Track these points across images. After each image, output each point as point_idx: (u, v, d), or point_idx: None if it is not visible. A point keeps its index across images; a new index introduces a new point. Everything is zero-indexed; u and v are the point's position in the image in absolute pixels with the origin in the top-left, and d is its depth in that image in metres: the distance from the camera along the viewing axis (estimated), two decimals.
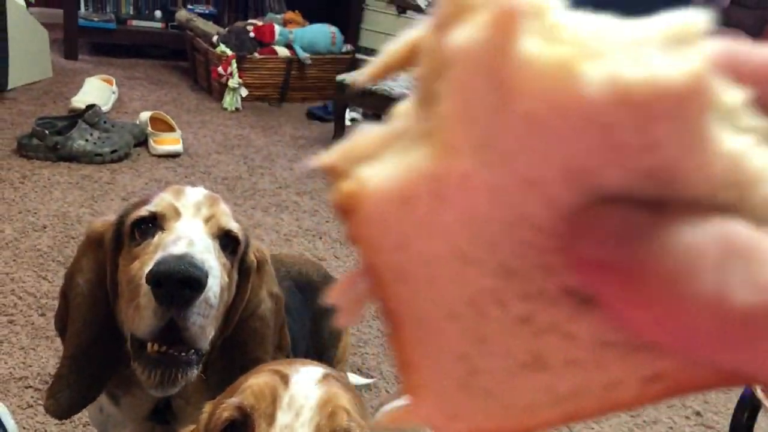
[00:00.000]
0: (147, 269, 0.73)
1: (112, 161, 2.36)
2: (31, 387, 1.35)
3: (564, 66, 0.14)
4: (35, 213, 1.96)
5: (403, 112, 0.18)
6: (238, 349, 0.88)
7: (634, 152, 0.14)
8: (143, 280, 0.73)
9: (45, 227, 1.90)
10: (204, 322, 0.76)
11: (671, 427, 1.56)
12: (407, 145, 0.17)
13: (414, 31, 0.18)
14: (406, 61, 0.19)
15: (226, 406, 0.62)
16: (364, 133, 0.18)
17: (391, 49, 0.19)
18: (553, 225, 0.16)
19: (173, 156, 2.51)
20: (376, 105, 2.69)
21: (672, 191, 0.15)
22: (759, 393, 0.99)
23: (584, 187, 0.15)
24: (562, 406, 0.19)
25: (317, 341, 1.29)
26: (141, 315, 0.74)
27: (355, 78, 0.20)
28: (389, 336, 0.20)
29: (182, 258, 0.72)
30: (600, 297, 0.16)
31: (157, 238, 0.79)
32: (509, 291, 0.18)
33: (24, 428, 1.25)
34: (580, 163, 0.15)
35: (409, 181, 0.17)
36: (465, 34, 0.15)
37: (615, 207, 0.15)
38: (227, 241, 0.84)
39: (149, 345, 0.76)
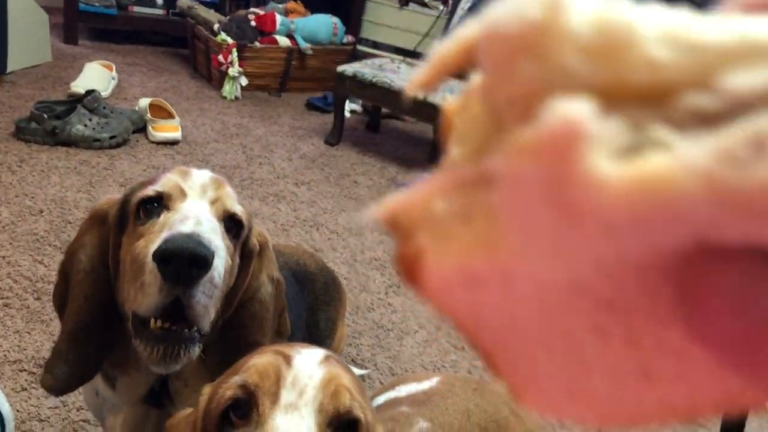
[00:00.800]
0: (153, 247, 0.73)
1: (111, 147, 2.35)
2: (25, 370, 1.35)
3: (646, 179, 0.13)
4: (32, 197, 1.95)
5: (457, 140, 0.17)
6: (237, 332, 0.88)
7: (730, 226, 0.13)
8: (149, 258, 0.73)
9: (42, 211, 1.89)
10: (208, 302, 0.76)
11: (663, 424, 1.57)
12: (466, 214, 0.16)
13: (467, 32, 0.17)
14: (458, 67, 0.17)
15: (229, 385, 0.62)
16: (422, 185, 0.17)
17: (440, 52, 0.17)
18: (658, 265, 0.15)
19: (172, 143, 2.50)
20: (377, 97, 2.68)
21: None
22: None
23: (684, 247, 0.14)
24: (675, 410, 0.18)
25: (313, 332, 1.30)
26: (145, 292, 0.74)
27: (405, 87, 0.18)
28: (480, 356, 0.20)
29: (190, 236, 0.72)
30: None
31: (163, 217, 0.79)
32: (610, 321, 0.17)
33: (18, 411, 1.25)
34: (668, 243, 0.14)
35: (471, 267, 0.16)
36: (511, 160, 0.14)
37: (729, 266, 0.14)
38: (231, 224, 0.85)
39: (152, 321, 0.76)
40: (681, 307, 0.15)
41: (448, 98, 0.18)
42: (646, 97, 0.14)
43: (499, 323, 0.18)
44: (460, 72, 0.17)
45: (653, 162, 0.13)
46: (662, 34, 0.14)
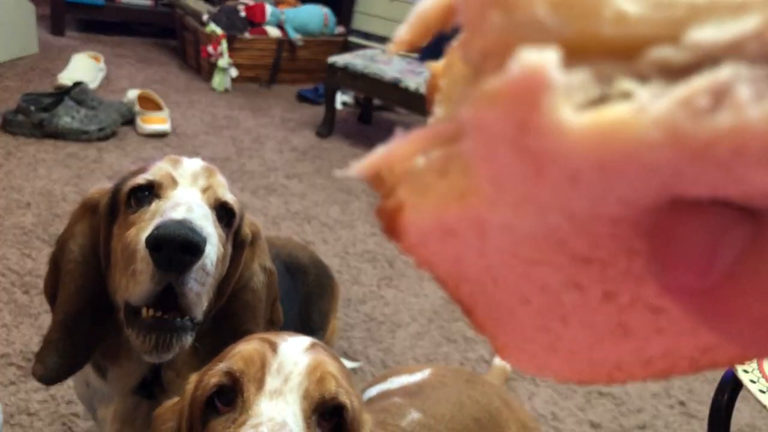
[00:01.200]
0: (145, 234, 0.73)
1: (99, 139, 2.33)
2: (13, 364, 1.34)
3: (606, 126, 0.13)
4: (20, 190, 1.93)
5: (441, 100, 0.17)
6: (230, 322, 0.88)
7: (702, 180, 0.13)
8: (140, 245, 0.73)
9: (29, 204, 1.87)
10: (200, 289, 0.75)
11: (655, 416, 1.57)
12: (443, 167, 0.16)
13: None
14: (442, 21, 0.17)
15: (215, 372, 0.62)
16: (404, 140, 0.17)
17: (423, 7, 0.17)
18: (632, 219, 0.15)
19: (161, 135, 2.48)
20: (368, 88, 2.67)
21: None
22: (740, 373, 1.00)
23: (656, 199, 0.14)
24: (652, 365, 0.19)
25: (305, 324, 1.29)
26: (137, 280, 0.74)
27: (390, 46, 0.18)
28: (462, 310, 0.20)
29: (182, 223, 0.72)
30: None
31: (154, 205, 0.79)
32: (587, 276, 0.17)
33: (6, 405, 1.24)
34: (636, 195, 0.14)
35: (446, 218, 0.16)
36: (479, 107, 0.14)
37: (699, 218, 0.14)
38: (223, 213, 0.84)
39: (144, 310, 0.75)
40: (653, 262, 0.15)
41: (434, 63, 0.19)
42: (615, 51, 0.14)
43: (476, 275, 0.18)
44: (441, 31, 0.18)
45: (615, 110, 0.13)
46: None
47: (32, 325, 1.44)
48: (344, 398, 0.62)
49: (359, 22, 3.81)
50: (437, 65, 0.18)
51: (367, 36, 3.82)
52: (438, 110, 0.17)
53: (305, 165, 2.53)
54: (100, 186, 0.90)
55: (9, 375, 1.31)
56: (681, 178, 0.13)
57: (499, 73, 0.13)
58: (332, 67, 2.68)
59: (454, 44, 0.17)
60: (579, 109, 0.13)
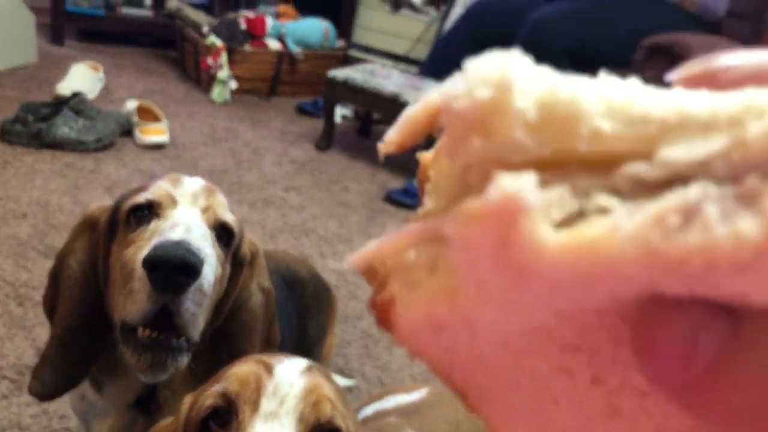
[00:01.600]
0: (142, 254, 0.73)
1: (97, 150, 2.32)
2: (6, 378, 1.32)
3: (582, 244, 0.14)
4: (16, 200, 1.92)
5: (431, 191, 0.19)
6: (226, 342, 0.88)
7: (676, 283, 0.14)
8: (138, 265, 0.73)
9: (26, 215, 1.86)
10: (196, 310, 0.75)
11: None
12: (432, 264, 0.17)
13: (432, 97, 0.18)
14: (429, 125, 0.19)
15: (210, 393, 0.62)
16: (396, 235, 0.18)
17: (411, 113, 0.19)
18: (616, 311, 0.16)
19: (159, 147, 2.48)
20: (367, 102, 2.67)
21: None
22: None
23: (637, 296, 0.15)
24: None
25: (302, 339, 1.28)
26: (134, 299, 0.74)
27: (381, 146, 0.20)
28: (455, 394, 0.21)
29: (179, 244, 0.72)
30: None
31: (153, 224, 0.79)
32: (576, 363, 0.18)
33: None
34: (617, 296, 0.15)
35: (436, 313, 0.17)
36: (460, 226, 0.15)
37: (679, 315, 0.15)
38: (222, 233, 0.85)
39: (140, 329, 0.75)
40: (636, 355, 0.16)
41: (424, 153, 0.20)
42: (592, 165, 0.15)
43: (467, 364, 0.19)
44: (431, 132, 0.19)
45: (590, 228, 0.14)
46: (606, 107, 0.15)
47: (26, 337, 1.43)
48: (340, 422, 0.61)
49: (359, 36, 3.83)
50: (427, 155, 0.19)
51: (367, 50, 3.83)
52: (428, 201, 0.18)
53: (304, 178, 2.53)
54: (100, 203, 0.90)
55: (2, 388, 1.29)
56: (656, 285, 0.14)
57: (479, 195, 0.15)
58: (332, 81, 2.68)
59: (440, 143, 0.18)
60: (557, 226, 0.14)
